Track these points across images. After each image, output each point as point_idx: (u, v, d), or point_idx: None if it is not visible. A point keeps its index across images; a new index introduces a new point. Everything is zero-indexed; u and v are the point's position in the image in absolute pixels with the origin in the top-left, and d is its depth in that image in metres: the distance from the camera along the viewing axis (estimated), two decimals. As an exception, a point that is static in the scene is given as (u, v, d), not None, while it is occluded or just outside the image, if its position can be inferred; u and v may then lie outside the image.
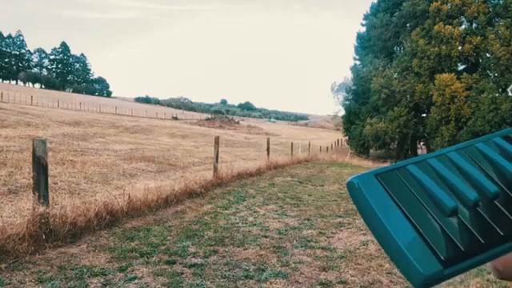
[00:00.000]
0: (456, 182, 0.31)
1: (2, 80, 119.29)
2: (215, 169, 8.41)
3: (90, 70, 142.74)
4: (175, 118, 71.62)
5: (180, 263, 3.59)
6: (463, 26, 28.22)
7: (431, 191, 0.30)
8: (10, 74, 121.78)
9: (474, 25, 27.74)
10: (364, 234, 4.98)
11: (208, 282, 3.19)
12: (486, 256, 0.28)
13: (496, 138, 0.35)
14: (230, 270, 3.51)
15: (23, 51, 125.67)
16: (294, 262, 3.79)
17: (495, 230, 0.28)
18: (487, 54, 26.04)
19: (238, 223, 5.23)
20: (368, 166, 21.03)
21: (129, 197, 5.24)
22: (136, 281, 3.13)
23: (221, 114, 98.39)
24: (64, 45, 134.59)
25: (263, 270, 3.53)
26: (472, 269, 0.27)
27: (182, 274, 3.35)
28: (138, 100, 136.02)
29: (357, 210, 0.31)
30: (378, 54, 34.33)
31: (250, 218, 5.56)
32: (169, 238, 4.36)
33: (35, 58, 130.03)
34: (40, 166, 3.92)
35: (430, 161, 0.33)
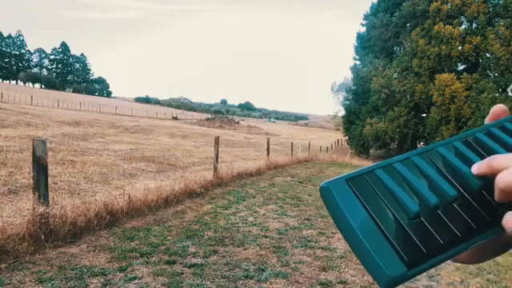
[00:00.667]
0: (419, 186, 0.32)
1: (2, 80, 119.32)
2: (215, 169, 8.41)
3: (89, 70, 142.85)
4: (175, 118, 71.63)
5: (180, 263, 3.59)
6: (463, 26, 28.23)
7: (396, 195, 0.31)
8: (9, 74, 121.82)
9: (474, 25, 27.74)
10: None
11: (208, 282, 3.19)
12: (445, 256, 0.29)
13: (456, 141, 0.37)
14: (229, 270, 3.51)
15: (23, 51, 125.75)
16: (294, 262, 3.79)
17: (453, 231, 0.30)
18: (487, 54, 26.05)
19: (238, 223, 5.23)
20: (368, 165, 20.99)
21: (129, 197, 5.24)
22: (136, 281, 3.13)
23: (221, 114, 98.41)
24: (64, 45, 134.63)
25: (263, 270, 3.53)
26: (432, 268, 0.29)
27: (182, 273, 3.35)
28: (138, 100, 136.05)
29: (329, 214, 0.32)
30: (378, 53, 34.33)
31: (250, 218, 5.56)
32: (169, 237, 4.36)
33: (35, 58, 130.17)
34: (40, 166, 3.92)
35: (396, 165, 0.34)
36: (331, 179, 0.33)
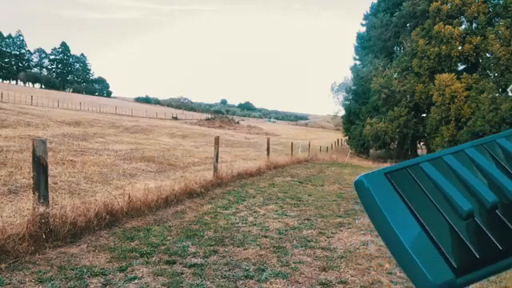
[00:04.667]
0: (474, 183, 0.28)
1: (2, 80, 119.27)
2: (215, 169, 8.41)
3: (89, 70, 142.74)
4: (175, 118, 71.61)
5: (180, 263, 3.59)
6: (463, 26, 28.24)
7: (446, 192, 0.28)
8: (10, 74, 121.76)
9: (474, 25, 27.75)
10: (364, 234, 4.98)
11: (208, 282, 3.19)
12: (504, 264, 0.25)
13: None
14: (229, 270, 3.50)
15: (23, 51, 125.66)
16: (294, 262, 3.78)
17: None
18: (487, 54, 26.05)
19: (238, 223, 5.23)
20: (368, 165, 21.02)
21: (129, 197, 5.24)
22: (136, 281, 3.13)
23: (221, 113, 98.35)
24: (64, 45, 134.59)
25: (263, 270, 3.53)
26: (487, 277, 0.25)
27: (182, 273, 3.35)
28: (138, 100, 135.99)
29: (364, 210, 0.29)
30: (378, 53, 34.34)
31: (250, 218, 5.56)
32: (169, 237, 4.36)
33: (35, 58, 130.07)
34: (40, 166, 3.92)
35: (446, 158, 0.30)
36: (366, 172, 0.29)
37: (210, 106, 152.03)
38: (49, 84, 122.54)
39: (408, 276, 0.25)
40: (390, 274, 3.58)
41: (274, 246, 4.27)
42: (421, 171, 0.29)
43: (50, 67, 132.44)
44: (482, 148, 0.31)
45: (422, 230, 0.26)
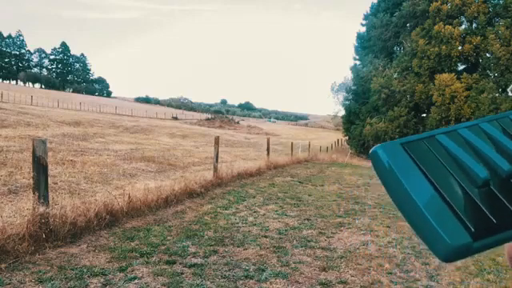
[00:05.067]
0: (489, 153, 0.29)
1: (2, 80, 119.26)
2: (215, 169, 8.41)
3: (89, 70, 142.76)
4: (175, 118, 71.59)
5: (180, 263, 3.59)
6: (463, 26, 28.24)
7: (462, 161, 0.28)
8: (10, 74, 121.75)
9: (474, 25, 27.75)
10: (364, 234, 4.98)
11: (208, 282, 3.19)
12: None
13: None
14: (229, 270, 3.50)
15: (23, 51, 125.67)
16: (294, 262, 3.78)
17: None
18: (487, 54, 26.06)
19: (238, 223, 5.23)
20: (368, 165, 21.02)
21: (129, 197, 5.24)
22: (136, 281, 3.13)
23: (221, 114, 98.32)
24: (64, 45, 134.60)
25: (263, 270, 3.53)
26: (502, 244, 0.25)
27: (182, 273, 3.35)
28: (138, 100, 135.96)
29: (380, 182, 0.29)
30: (378, 53, 34.34)
31: (250, 218, 5.56)
32: (169, 237, 4.36)
33: (35, 58, 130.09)
34: (40, 166, 3.92)
35: (462, 131, 0.31)
36: (382, 143, 0.30)
37: (210, 106, 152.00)
38: (49, 84, 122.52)
39: (424, 240, 0.26)
40: (390, 274, 3.58)
41: (274, 246, 4.27)
42: (437, 142, 0.30)
43: (50, 67, 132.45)
44: (496, 123, 0.32)
45: (439, 197, 0.26)
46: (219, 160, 8.67)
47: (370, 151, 0.30)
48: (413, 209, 0.26)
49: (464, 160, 0.28)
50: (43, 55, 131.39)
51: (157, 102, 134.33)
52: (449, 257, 0.24)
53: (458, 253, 0.24)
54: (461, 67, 29.42)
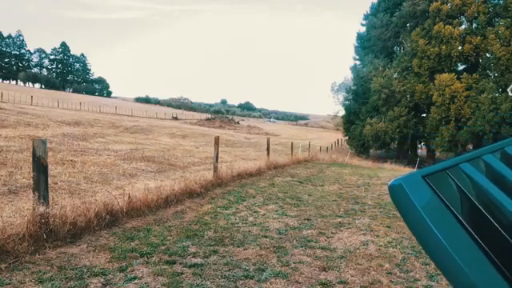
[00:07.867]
0: None
1: (2, 80, 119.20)
2: (215, 169, 8.41)
3: (89, 69, 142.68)
4: (175, 118, 71.57)
5: (180, 263, 3.59)
6: (463, 26, 28.26)
7: (491, 194, 0.24)
8: (9, 74, 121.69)
9: (474, 25, 27.76)
10: (364, 234, 4.98)
11: (208, 282, 3.19)
12: None
13: None
14: (229, 270, 3.50)
15: (23, 51, 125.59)
16: (294, 262, 3.78)
17: None
18: (487, 54, 26.08)
19: (238, 223, 5.23)
20: (368, 165, 21.02)
21: (129, 197, 5.24)
22: (136, 281, 3.13)
23: (221, 114, 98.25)
24: (64, 45, 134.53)
25: (263, 270, 3.53)
26: None
27: (182, 273, 3.35)
28: (138, 100, 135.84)
29: (402, 218, 0.26)
30: (378, 54, 34.36)
31: (250, 218, 5.56)
32: (169, 238, 4.36)
33: (35, 58, 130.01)
34: (40, 166, 3.92)
35: (487, 158, 0.26)
36: (402, 175, 0.26)
37: (210, 106, 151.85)
38: (49, 84, 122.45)
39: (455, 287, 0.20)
40: (390, 274, 3.58)
41: (274, 246, 4.27)
42: (461, 173, 0.26)
43: (49, 67, 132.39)
44: None
45: (473, 241, 0.21)
46: (219, 160, 8.67)
47: (390, 184, 0.27)
48: (442, 254, 0.21)
49: (493, 193, 0.24)
50: (43, 55, 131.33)
51: (157, 102, 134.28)
52: None
53: None
54: (461, 67, 29.46)
